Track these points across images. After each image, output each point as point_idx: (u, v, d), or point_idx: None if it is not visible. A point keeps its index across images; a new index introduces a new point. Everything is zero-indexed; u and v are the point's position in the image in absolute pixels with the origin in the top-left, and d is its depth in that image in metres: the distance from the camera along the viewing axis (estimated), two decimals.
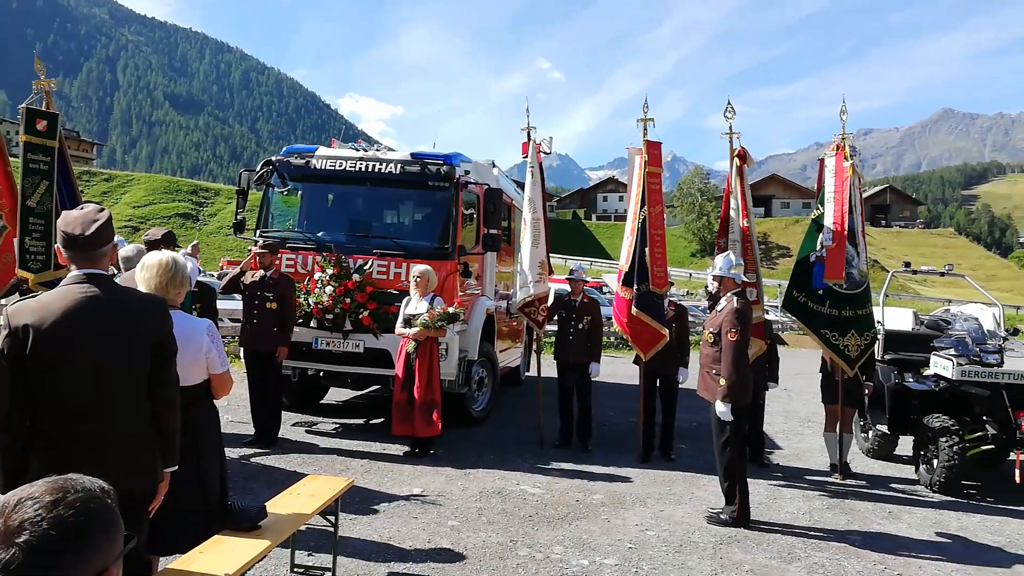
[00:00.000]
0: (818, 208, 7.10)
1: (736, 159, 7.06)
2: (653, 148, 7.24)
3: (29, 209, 5.95)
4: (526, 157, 7.67)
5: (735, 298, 5.53)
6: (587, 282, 7.97)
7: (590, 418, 7.71)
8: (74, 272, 2.65)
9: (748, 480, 5.60)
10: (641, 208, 7.13)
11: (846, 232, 6.76)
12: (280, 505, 3.75)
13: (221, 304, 7.75)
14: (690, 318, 14.22)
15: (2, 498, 1.01)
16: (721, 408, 5.35)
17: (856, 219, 6.88)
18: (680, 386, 7.64)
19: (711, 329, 5.62)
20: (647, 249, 7.06)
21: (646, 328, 7.06)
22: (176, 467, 2.82)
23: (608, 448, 7.69)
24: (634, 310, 7.00)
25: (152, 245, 5.62)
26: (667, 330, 7.06)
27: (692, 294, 47.08)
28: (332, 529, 4.11)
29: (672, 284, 7.86)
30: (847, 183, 6.82)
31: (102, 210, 2.77)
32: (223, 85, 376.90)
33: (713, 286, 5.88)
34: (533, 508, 5.59)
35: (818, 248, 6.98)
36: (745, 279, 5.89)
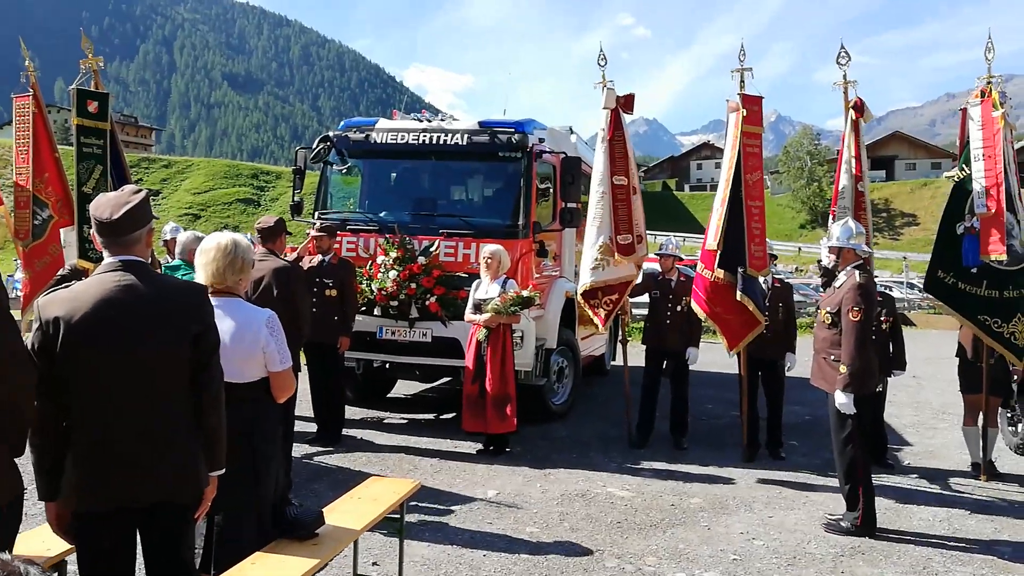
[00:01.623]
0: (962, 169, 6.53)
1: (851, 112, 6.64)
2: (752, 103, 6.88)
3: (86, 196, 6.13)
4: (629, 113, 7.32)
5: (857, 272, 5.21)
6: (680, 259, 7.70)
7: (687, 411, 7.48)
8: (108, 259, 2.66)
9: (873, 482, 5.28)
10: (736, 175, 6.79)
11: (1003, 197, 6.09)
12: (340, 511, 3.74)
13: None
14: (797, 297, 13.66)
15: None
16: (842, 399, 5.06)
17: (1012, 180, 6.26)
18: (788, 374, 7.31)
19: (828, 308, 5.31)
20: (744, 224, 6.72)
21: (738, 316, 6.75)
22: (223, 470, 2.81)
23: (706, 445, 7.46)
24: (740, 295, 6.67)
25: (265, 233, 5.74)
26: (763, 318, 6.73)
27: (801, 271, 45.61)
28: (397, 536, 4.09)
29: (776, 258, 7.50)
30: (999, 136, 6.18)
31: (138, 191, 2.77)
32: (282, 61, 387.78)
33: (829, 259, 5.55)
34: (622, 513, 5.45)
35: (967, 218, 6.42)
36: (868, 249, 5.54)
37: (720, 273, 6.84)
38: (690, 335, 7.38)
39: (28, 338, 2.54)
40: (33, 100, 6.77)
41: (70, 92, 6.19)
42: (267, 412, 3.20)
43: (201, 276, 3.07)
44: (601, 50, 7.36)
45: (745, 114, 6.79)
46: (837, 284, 5.36)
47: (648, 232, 7.91)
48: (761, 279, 6.99)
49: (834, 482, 6.04)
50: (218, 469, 2.78)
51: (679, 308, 7.33)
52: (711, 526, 5.26)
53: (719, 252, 6.85)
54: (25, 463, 2.40)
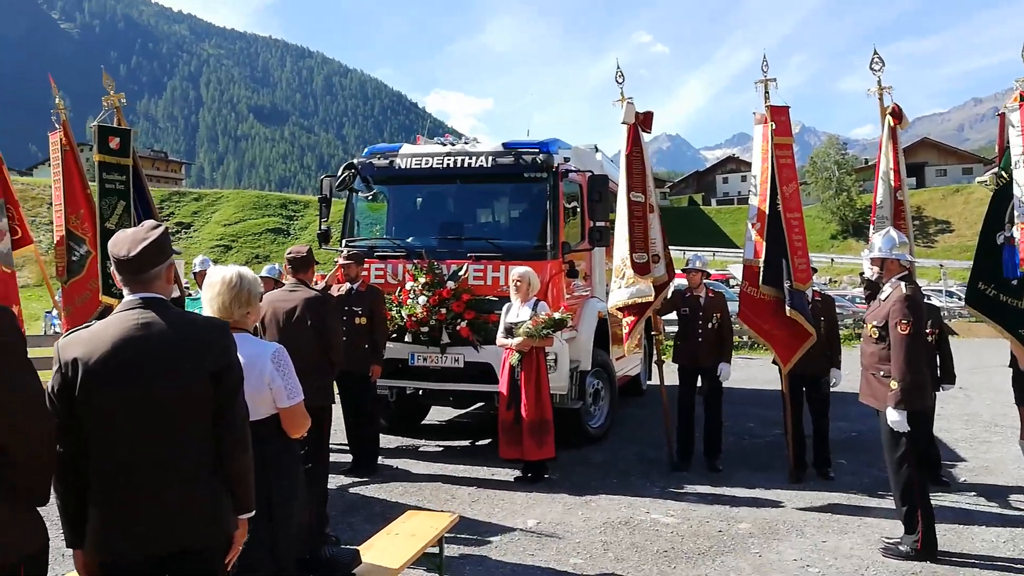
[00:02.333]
0: (1000, 176, 6.28)
1: (889, 118, 6.44)
2: (779, 114, 6.72)
3: (108, 232, 6.15)
4: (648, 132, 7.21)
5: (903, 283, 5.00)
6: (708, 274, 7.52)
7: (720, 432, 7.26)
8: (128, 297, 2.58)
9: (932, 502, 5.04)
10: (772, 187, 6.61)
11: None
12: (377, 548, 3.62)
13: None
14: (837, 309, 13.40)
15: None
16: (894, 416, 4.83)
17: None
18: (832, 390, 7.08)
19: (875, 322, 5.10)
20: (785, 237, 6.54)
21: (790, 331, 6.54)
22: (252, 513, 2.70)
23: (750, 466, 7.23)
24: (790, 311, 6.47)
25: (296, 264, 5.68)
26: (815, 331, 6.52)
27: (835, 282, 44.94)
28: (438, 572, 3.95)
29: (815, 271, 7.30)
30: None
31: (156, 227, 2.69)
32: (306, 92, 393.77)
33: (872, 271, 5.34)
34: (668, 541, 5.26)
35: (1007, 227, 6.16)
36: (912, 259, 5.33)
37: (765, 289, 6.66)
38: (721, 351, 7.19)
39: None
40: (64, 136, 6.83)
41: (91, 129, 6.21)
42: (281, 450, 3.07)
43: (207, 311, 2.99)
44: (618, 67, 7.25)
45: (775, 126, 6.63)
46: (882, 297, 5.15)
47: (677, 248, 7.71)
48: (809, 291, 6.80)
49: (889, 502, 5.81)
50: (246, 512, 2.66)
51: (710, 325, 7.15)
52: (762, 553, 5.05)
53: (762, 268, 6.67)
54: (51, 510, 2.31)
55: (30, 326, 16.84)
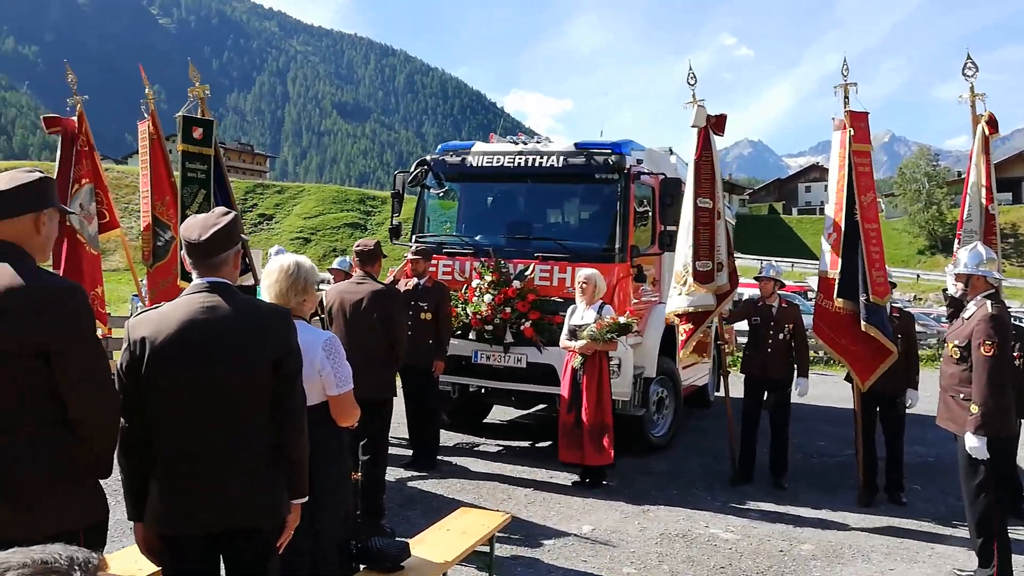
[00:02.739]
0: None
1: (982, 127, 6.14)
2: (858, 120, 6.46)
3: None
4: (720, 135, 7.03)
5: (988, 302, 4.74)
6: (782, 284, 7.30)
7: (787, 448, 7.04)
8: (196, 280, 2.66)
9: (1010, 534, 4.77)
10: (849, 196, 6.38)
11: None
12: (428, 542, 3.63)
13: None
14: (918, 328, 12.84)
15: None
16: (973, 443, 4.59)
17: None
18: (908, 411, 6.78)
19: (956, 342, 4.86)
20: (863, 249, 6.30)
21: (868, 348, 6.30)
22: (306, 499, 2.74)
23: (818, 486, 6.99)
24: (865, 325, 6.24)
25: (363, 256, 5.82)
26: (895, 347, 6.27)
27: (920, 299, 43.22)
28: (487, 571, 3.94)
29: (895, 286, 7.01)
30: None
31: (227, 213, 2.76)
32: (388, 90, 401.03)
33: (957, 288, 5.09)
34: (726, 557, 5.13)
35: None
36: (999, 276, 5.05)
37: (840, 302, 6.43)
38: (797, 364, 6.97)
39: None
40: (152, 125, 7.10)
41: (176, 119, 6.43)
42: (329, 437, 3.11)
43: (265, 298, 3.05)
44: (691, 68, 7.09)
45: (853, 132, 6.39)
46: (966, 315, 4.90)
47: (754, 257, 7.50)
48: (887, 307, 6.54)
49: (963, 532, 5.53)
50: (300, 496, 2.72)
51: (781, 336, 6.94)
52: None
53: (838, 280, 6.45)
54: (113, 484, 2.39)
55: (116, 308, 17.61)
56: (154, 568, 3.02)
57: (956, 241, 6.24)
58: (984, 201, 6.13)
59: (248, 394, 2.53)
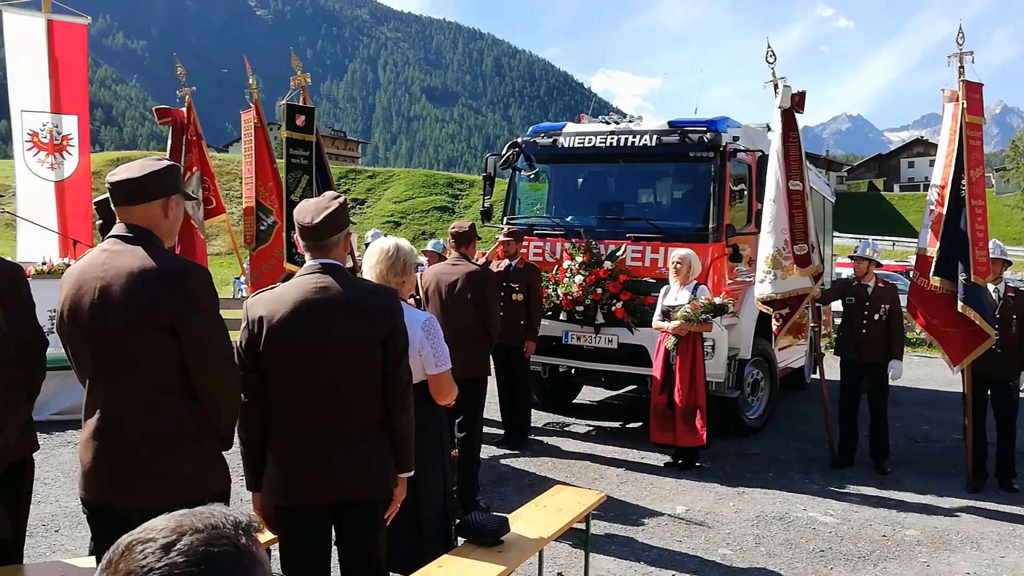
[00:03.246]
0: None
1: None
2: (973, 91, 6.13)
3: (293, 203, 6.61)
4: (800, 113, 6.79)
5: None
6: (878, 264, 7.01)
7: (887, 432, 6.80)
8: (309, 262, 2.77)
9: None
10: (957, 171, 6.07)
11: None
12: (525, 518, 3.69)
13: None
14: None
15: (117, 542, 0.93)
16: None
17: None
18: (1022, 394, 6.44)
19: None
20: (967, 226, 6.00)
21: (963, 329, 6.01)
22: (412, 473, 2.84)
23: (923, 471, 6.74)
24: (961, 306, 5.97)
25: (459, 238, 5.97)
26: (993, 331, 5.96)
27: None
28: (583, 548, 3.98)
29: (1010, 264, 6.64)
30: None
31: (337, 197, 2.87)
32: (476, 74, 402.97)
33: None
34: (825, 541, 5.02)
35: None
36: None
37: (937, 281, 6.16)
38: (891, 346, 6.71)
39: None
40: (255, 115, 7.39)
41: (280, 107, 6.66)
42: (428, 417, 3.20)
43: (367, 279, 3.15)
44: (768, 46, 6.83)
45: (966, 104, 6.07)
46: None
47: (853, 236, 7.25)
48: (992, 288, 6.22)
49: None
50: (407, 471, 2.81)
51: (876, 317, 6.68)
52: (931, 563, 4.71)
53: (936, 258, 6.18)
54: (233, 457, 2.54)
55: (220, 290, 18.41)
56: (270, 536, 3.19)
57: None
58: None
59: (359, 371, 2.64)
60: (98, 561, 2.23)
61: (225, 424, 2.47)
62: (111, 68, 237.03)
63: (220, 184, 8.52)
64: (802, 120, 6.96)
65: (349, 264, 6.51)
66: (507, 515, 3.56)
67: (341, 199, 2.87)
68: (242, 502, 4.23)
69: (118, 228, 2.42)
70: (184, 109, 7.73)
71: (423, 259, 8.00)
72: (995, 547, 5.00)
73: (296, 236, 2.85)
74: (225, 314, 2.59)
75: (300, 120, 6.59)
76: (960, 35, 6.22)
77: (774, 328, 6.94)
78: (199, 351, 2.33)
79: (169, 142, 7.62)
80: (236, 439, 2.64)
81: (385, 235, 7.73)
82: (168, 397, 2.33)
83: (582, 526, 3.92)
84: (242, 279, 19.64)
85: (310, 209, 2.78)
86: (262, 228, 7.08)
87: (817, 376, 7.59)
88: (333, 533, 2.77)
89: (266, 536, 3.19)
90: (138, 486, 2.30)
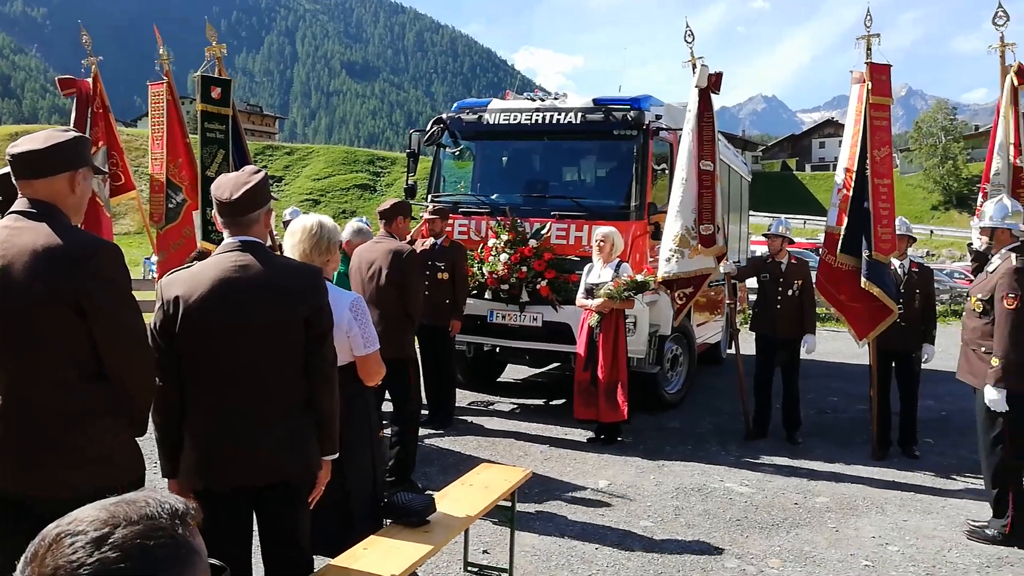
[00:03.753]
0: None
1: (1011, 77, 6.03)
2: (880, 72, 6.36)
3: (209, 180, 6.37)
4: (716, 94, 6.92)
5: (1013, 255, 4.72)
6: (791, 241, 7.26)
7: (798, 404, 7.08)
8: (227, 240, 2.68)
9: None
10: (862, 151, 6.31)
11: None
12: (451, 497, 3.69)
13: None
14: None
15: (42, 533, 0.85)
16: (993, 395, 4.61)
17: None
18: (924, 366, 6.79)
19: (980, 295, 4.85)
20: (870, 204, 6.25)
21: (867, 305, 6.29)
22: (336, 455, 2.80)
23: (831, 441, 7.05)
24: (864, 282, 6.23)
25: (383, 214, 5.86)
26: (896, 306, 6.26)
27: (934, 255, 42.94)
28: (508, 525, 4.01)
29: (914, 240, 6.96)
30: None
31: (257, 171, 2.78)
32: (397, 48, 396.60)
33: (982, 241, 5.06)
34: (741, 510, 5.20)
35: None
36: None
37: (844, 258, 6.42)
38: (804, 322, 6.97)
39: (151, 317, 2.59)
40: (167, 88, 7.07)
41: (194, 79, 6.39)
42: (355, 398, 3.15)
43: (291, 256, 3.07)
44: (688, 26, 6.93)
45: (871, 85, 6.29)
46: (990, 269, 4.89)
47: (766, 215, 7.44)
48: (897, 264, 6.51)
49: (975, 484, 5.60)
50: (331, 453, 2.77)
51: (790, 293, 6.93)
52: (839, 528, 4.93)
53: (842, 235, 6.43)
54: (147, 443, 2.44)
55: (130, 271, 17.72)
56: None
57: (980, 195, 6.18)
58: (1012, 154, 6.05)
59: (280, 351, 2.57)
60: (2, 555, 2.12)
61: (139, 407, 2.38)
62: (9, 37, 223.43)
63: (129, 160, 8.13)
64: (720, 100, 7.11)
65: (268, 243, 6.36)
66: (434, 495, 3.55)
67: (261, 174, 2.77)
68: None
69: (20, 203, 2.28)
70: (90, 80, 7.32)
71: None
72: (898, 511, 5.28)
73: (214, 213, 2.75)
74: (136, 295, 2.48)
75: (216, 92, 6.36)
76: (868, 18, 6.44)
77: (675, 307, 7.05)
78: (107, 330, 2.23)
79: (73, 115, 7.22)
80: (151, 425, 2.55)
81: (305, 213, 7.57)
82: (79, 376, 2.22)
83: (508, 503, 3.94)
84: (153, 259, 18.93)
85: (229, 184, 2.68)
86: (171, 206, 6.81)
87: (733, 351, 7.83)
88: (255, 518, 2.71)
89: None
90: (47, 464, 2.18)
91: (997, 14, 6.17)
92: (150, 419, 2.54)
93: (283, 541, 2.71)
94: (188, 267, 2.70)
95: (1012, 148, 6.03)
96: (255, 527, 2.72)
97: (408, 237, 7.37)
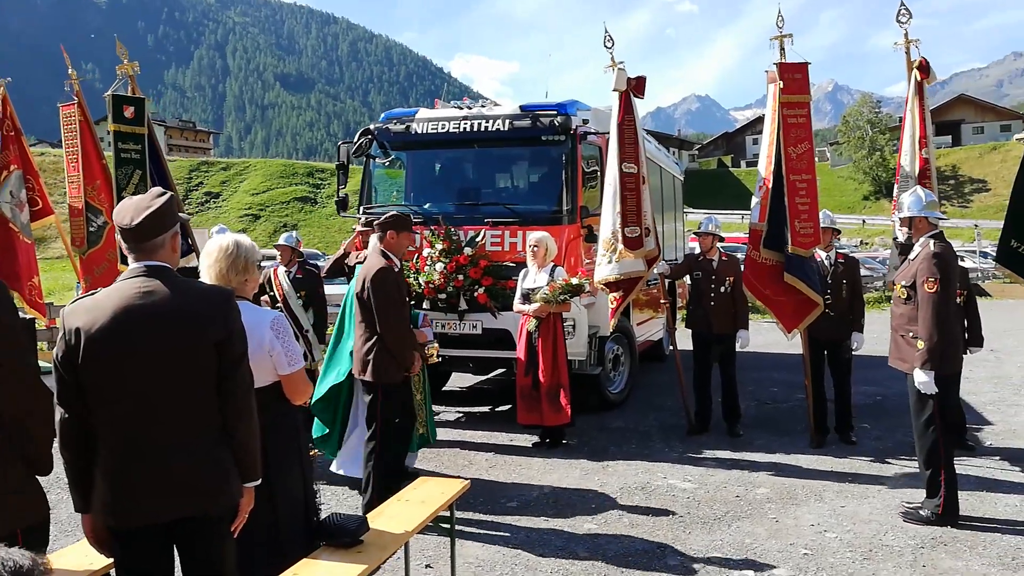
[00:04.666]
0: None
1: (916, 73, 6.23)
2: (793, 71, 6.49)
3: None
4: (640, 97, 6.97)
5: (932, 241, 4.86)
6: (722, 237, 7.35)
7: (737, 397, 7.18)
8: (132, 265, 2.58)
9: (956, 466, 4.94)
10: (778, 149, 6.44)
11: None
12: (387, 515, 3.62)
13: (329, 289, 7.82)
14: (863, 271, 13.11)
15: None
16: (922, 378, 4.73)
17: None
18: (859, 353, 6.95)
19: (903, 282, 4.98)
20: (787, 200, 6.37)
21: (793, 299, 6.42)
22: (258, 481, 2.71)
23: (772, 431, 7.16)
24: (787, 276, 6.35)
25: (379, 228, 5.60)
26: (820, 299, 6.40)
27: (866, 244, 44.22)
28: (449, 537, 3.96)
29: (839, 232, 7.12)
30: None
31: (162, 194, 2.68)
32: (332, 59, 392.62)
33: (903, 232, 5.19)
34: (684, 506, 5.23)
35: None
36: (942, 216, 5.17)
37: (768, 253, 6.54)
38: (737, 317, 7.07)
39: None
40: (79, 108, 6.84)
41: (105, 98, 6.21)
42: (282, 419, 3.07)
43: (205, 279, 2.98)
44: (606, 31, 7.00)
45: (783, 84, 6.43)
46: (912, 256, 5.03)
47: (704, 212, 7.53)
48: (823, 255, 6.65)
49: (911, 467, 5.74)
50: (253, 479, 2.68)
51: (723, 289, 7.03)
52: (779, 518, 5.00)
53: (765, 231, 6.55)
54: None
55: (62, 297, 17.16)
56: (106, 561, 2.97)
57: (895, 187, 6.35)
58: (918, 145, 6.23)
59: (191, 379, 2.48)
60: None
61: (38, 448, 2.26)
62: None
63: (57, 183, 7.87)
64: (655, 101, 7.28)
65: (194, 263, 6.19)
66: (367, 515, 3.48)
67: (166, 196, 2.67)
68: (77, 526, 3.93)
69: None
70: None
71: (276, 253, 7.69)
72: (836, 498, 5.38)
73: (118, 238, 2.65)
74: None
75: (129, 111, 6.18)
76: (780, 18, 6.58)
77: (609, 311, 7.07)
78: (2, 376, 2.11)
79: None
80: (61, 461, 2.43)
81: (243, 230, 7.40)
82: None
83: (447, 514, 3.89)
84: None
85: (130, 209, 2.59)
86: (92, 230, 6.60)
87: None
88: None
89: (103, 562, 2.98)
90: None
91: (900, 12, 6.37)
92: (58, 455, 2.42)
93: (206, 575, 2.61)
94: (92, 295, 2.60)
95: (918, 141, 6.21)
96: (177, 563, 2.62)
97: (342, 250, 7.28)
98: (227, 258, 2.96)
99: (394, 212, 5.46)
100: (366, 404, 5.30)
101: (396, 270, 5.17)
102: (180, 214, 2.81)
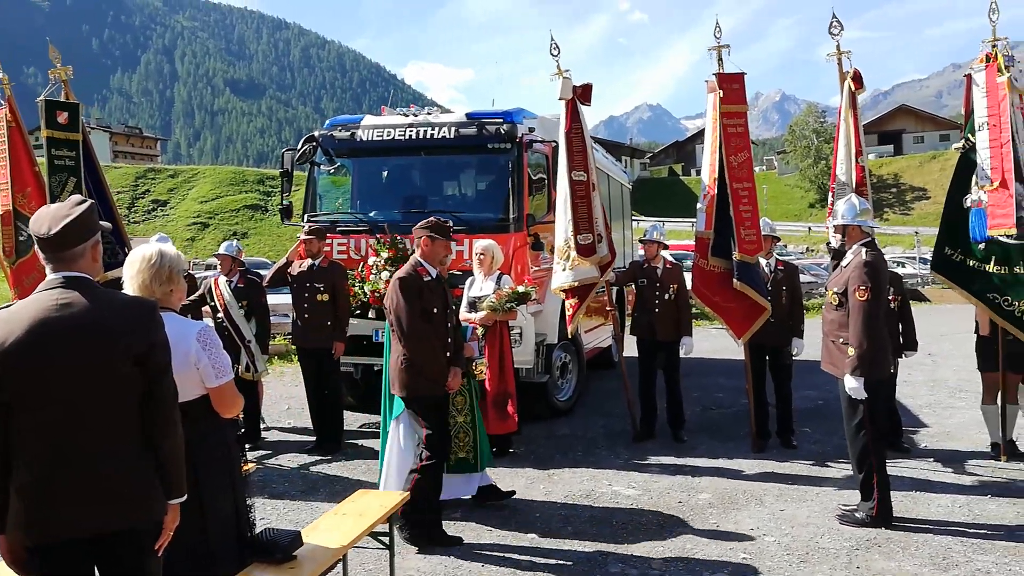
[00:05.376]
0: (967, 139, 6.26)
1: (848, 83, 6.38)
2: (732, 81, 6.62)
3: None
4: (587, 105, 7.03)
5: (864, 250, 4.98)
6: (666, 245, 7.46)
7: (681, 403, 7.26)
8: (50, 276, 2.50)
9: (888, 469, 5.06)
10: (721, 158, 6.54)
11: (1011, 166, 5.75)
12: (323, 529, 3.57)
13: (272, 299, 7.71)
14: (808, 278, 13.35)
15: None
16: (851, 384, 4.83)
17: (1021, 148, 5.96)
18: (796, 359, 7.08)
19: (835, 289, 5.09)
20: (731, 208, 6.49)
21: (742, 305, 6.53)
22: (184, 497, 2.63)
23: (716, 436, 7.26)
24: (737, 283, 6.45)
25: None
26: (769, 305, 6.52)
27: (813, 251, 45.22)
28: (388, 551, 3.91)
29: (778, 240, 7.27)
30: (1005, 103, 5.82)
31: (81, 203, 2.61)
32: (283, 65, 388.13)
33: (836, 239, 5.30)
34: (627, 514, 5.26)
35: (974, 190, 6.14)
36: (874, 225, 5.30)
37: (715, 261, 6.64)
38: (681, 324, 7.16)
39: None
40: (9, 112, 6.62)
41: (38, 103, 6.03)
42: (211, 433, 3.00)
43: (128, 290, 2.91)
44: (552, 39, 7.06)
45: (723, 94, 6.54)
46: (844, 263, 5.14)
47: (656, 220, 7.62)
48: (764, 263, 6.77)
49: (849, 470, 5.84)
50: (177, 496, 2.60)
51: (667, 296, 7.12)
52: (720, 523, 5.06)
53: (711, 239, 6.65)
54: None
55: None
56: None
57: (831, 194, 6.50)
58: (854, 154, 6.38)
59: (110, 393, 2.41)
60: None
61: None
62: None
63: None
64: (607, 110, 7.39)
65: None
66: (301, 528, 3.42)
67: (85, 204, 2.60)
68: None
69: None
70: None
71: (216, 262, 7.56)
72: (776, 502, 5.46)
73: (35, 248, 2.56)
74: None
75: (62, 117, 6.01)
76: (717, 29, 6.71)
77: (557, 319, 7.11)
78: None
79: None
80: None
81: (192, 239, 7.25)
82: None
83: (385, 527, 3.84)
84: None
85: (47, 218, 2.51)
86: (21, 239, 6.38)
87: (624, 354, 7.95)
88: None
89: None
90: None
91: (832, 24, 6.52)
92: None
93: None
94: (6, 307, 2.51)
95: (854, 149, 6.36)
96: None
97: (285, 258, 7.17)
98: (150, 268, 2.88)
99: (432, 218, 5.19)
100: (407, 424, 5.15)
101: (426, 279, 4.90)
102: (102, 223, 2.72)
